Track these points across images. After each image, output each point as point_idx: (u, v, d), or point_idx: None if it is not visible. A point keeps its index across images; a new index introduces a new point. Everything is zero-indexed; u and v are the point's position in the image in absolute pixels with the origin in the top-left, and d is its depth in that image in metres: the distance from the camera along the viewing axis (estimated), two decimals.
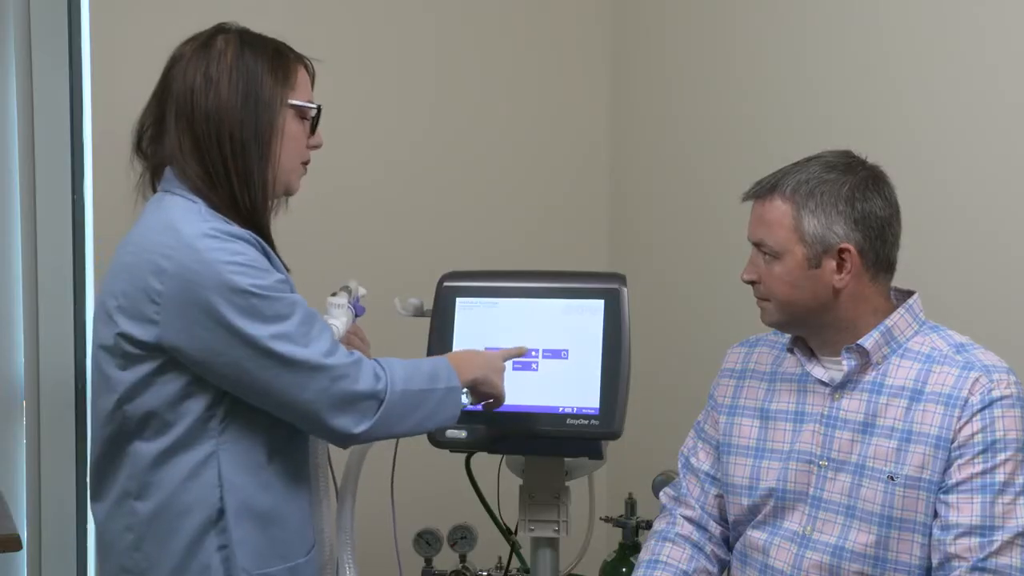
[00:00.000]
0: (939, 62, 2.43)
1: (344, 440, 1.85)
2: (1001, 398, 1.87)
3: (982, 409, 1.86)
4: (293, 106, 1.89)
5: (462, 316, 2.05)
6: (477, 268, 2.12)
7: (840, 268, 1.92)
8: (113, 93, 3.00)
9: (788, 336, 2.06)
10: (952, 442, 1.86)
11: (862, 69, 2.63)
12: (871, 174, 1.96)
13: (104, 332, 1.84)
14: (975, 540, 1.83)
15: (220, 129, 1.85)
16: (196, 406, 1.80)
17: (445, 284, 2.07)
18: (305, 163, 1.96)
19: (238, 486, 1.82)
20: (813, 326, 1.98)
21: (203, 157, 1.85)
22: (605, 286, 2.01)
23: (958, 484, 1.85)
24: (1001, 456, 1.84)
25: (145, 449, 1.82)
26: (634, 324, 1.98)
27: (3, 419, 3.12)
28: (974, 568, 1.82)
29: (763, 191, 1.97)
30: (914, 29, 2.49)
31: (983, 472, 1.84)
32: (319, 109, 1.94)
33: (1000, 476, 1.84)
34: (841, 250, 1.91)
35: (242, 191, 1.86)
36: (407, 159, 3.36)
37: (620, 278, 2.02)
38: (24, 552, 2.96)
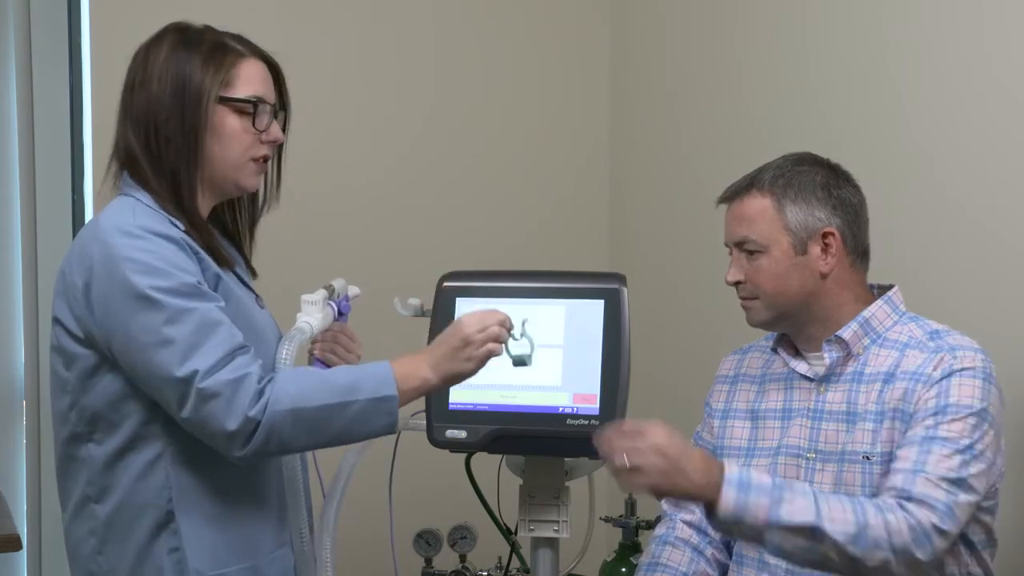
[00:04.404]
0: (940, 67, 2.43)
1: (231, 457, 1.77)
2: (962, 370, 1.90)
3: (941, 380, 1.90)
4: (226, 101, 1.87)
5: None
6: (477, 268, 2.11)
7: (825, 252, 1.98)
8: (113, 93, 2.99)
9: (772, 340, 2.11)
10: (913, 411, 1.90)
11: (862, 70, 2.63)
12: (836, 168, 2.05)
13: (52, 332, 1.86)
14: (907, 475, 1.84)
15: (149, 126, 1.86)
16: (138, 406, 1.80)
17: (445, 284, 2.07)
18: (260, 159, 1.93)
19: (187, 487, 1.82)
20: (799, 320, 2.02)
21: (140, 155, 1.87)
22: (605, 286, 2.01)
23: (907, 442, 1.88)
24: (949, 416, 1.86)
25: (97, 452, 1.83)
26: (634, 324, 1.98)
27: (3, 419, 3.12)
28: (899, 495, 1.82)
29: (740, 190, 2.03)
30: (915, 33, 2.49)
31: (927, 428, 1.87)
32: (256, 104, 1.89)
33: (942, 432, 1.86)
34: (825, 234, 1.98)
35: (171, 186, 1.86)
36: (407, 159, 3.36)
37: (620, 278, 2.02)
38: (24, 552, 2.96)
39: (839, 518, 1.76)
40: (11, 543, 2.46)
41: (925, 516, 1.79)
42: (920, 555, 1.78)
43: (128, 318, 1.74)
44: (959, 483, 1.83)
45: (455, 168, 3.41)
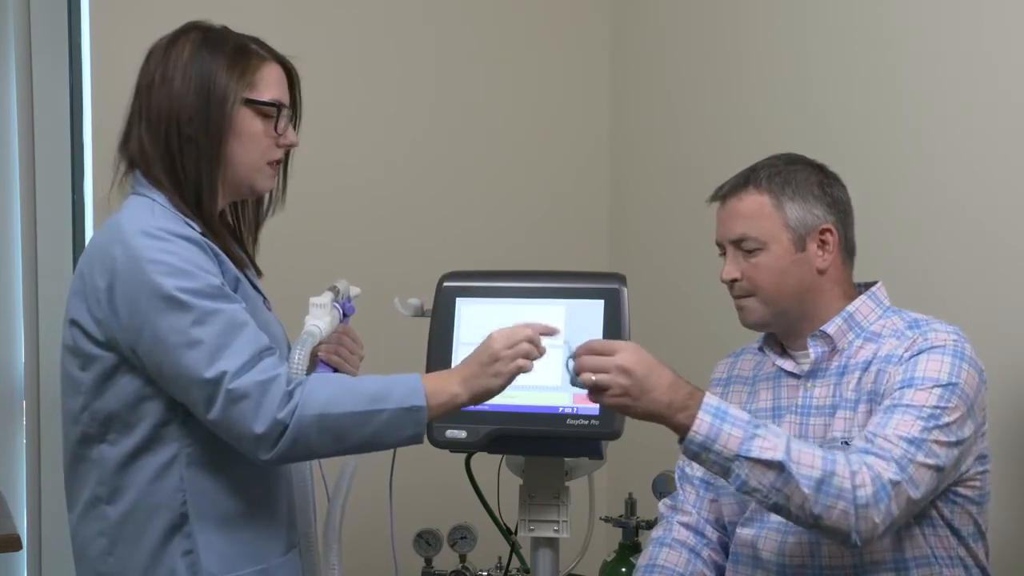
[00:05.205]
0: (940, 67, 2.43)
1: (256, 460, 1.76)
2: (931, 348, 1.91)
3: (910, 358, 1.91)
4: (251, 104, 1.87)
5: (462, 316, 2.05)
6: (477, 268, 2.12)
7: (821, 249, 2.00)
8: (113, 93, 2.99)
9: (761, 340, 2.12)
10: (883, 391, 1.91)
11: (862, 69, 2.63)
12: (825, 168, 2.06)
13: (65, 333, 1.85)
14: (867, 436, 1.85)
15: (170, 125, 1.85)
16: (156, 407, 1.80)
17: (445, 284, 2.07)
18: (274, 162, 1.93)
19: (201, 490, 1.82)
20: (792, 318, 2.02)
21: (156, 154, 1.86)
22: (605, 286, 2.01)
23: (874, 414, 1.89)
24: (915, 388, 1.87)
25: (110, 453, 1.82)
26: (634, 324, 1.98)
27: (3, 419, 3.12)
28: (862, 451, 1.83)
29: (736, 187, 2.04)
30: (915, 33, 2.49)
31: (892, 399, 1.88)
32: (279, 107, 1.90)
33: (906, 400, 1.86)
34: (823, 230, 2.00)
35: (188, 188, 1.85)
36: (407, 159, 3.36)
37: (620, 278, 2.02)
38: (24, 552, 2.96)
39: (807, 462, 1.77)
40: (11, 543, 2.46)
41: (883, 468, 1.79)
42: (876, 514, 1.77)
43: (155, 320, 1.74)
44: (916, 443, 1.81)
45: (455, 168, 3.41)
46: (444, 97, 3.40)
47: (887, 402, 1.88)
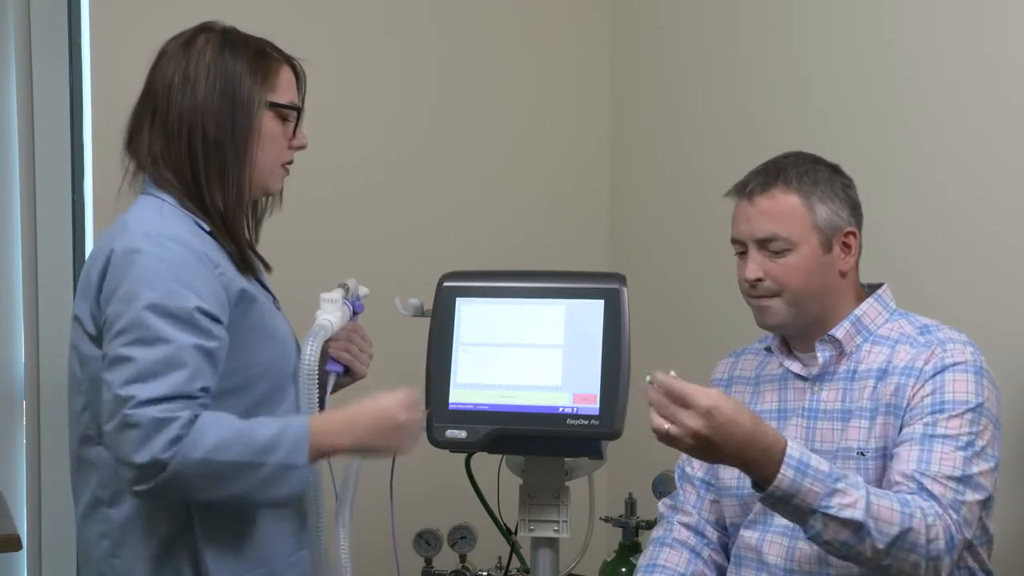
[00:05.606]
0: (940, 67, 2.43)
1: (129, 489, 1.72)
2: (954, 364, 1.90)
3: (934, 375, 1.90)
4: (273, 106, 1.87)
5: (462, 316, 2.05)
6: (477, 268, 2.12)
7: (844, 251, 1.99)
8: (113, 93, 2.99)
9: (768, 341, 2.11)
10: (906, 405, 1.90)
11: (862, 69, 2.63)
12: (840, 169, 2.04)
13: (72, 331, 1.86)
14: (916, 477, 1.84)
15: (193, 129, 1.84)
16: None
17: (445, 284, 2.07)
18: (287, 164, 1.94)
19: None
20: (811, 320, 2.00)
21: (174, 158, 1.85)
22: (605, 286, 2.01)
23: (905, 438, 1.88)
24: (947, 414, 1.86)
25: (107, 455, 1.80)
26: (634, 324, 1.98)
27: (3, 419, 3.12)
28: (917, 493, 1.81)
29: (767, 184, 1.98)
30: (915, 33, 2.49)
31: (926, 426, 1.87)
32: (299, 110, 1.91)
33: (940, 430, 1.86)
34: (847, 233, 1.98)
35: (213, 193, 1.85)
36: (407, 159, 3.36)
37: (620, 278, 2.02)
38: (24, 552, 2.95)
39: (886, 518, 1.74)
40: (11, 543, 2.46)
41: (950, 521, 1.79)
42: (944, 565, 1.78)
43: (115, 320, 1.74)
44: (964, 480, 1.83)
45: (455, 168, 3.41)
46: (444, 97, 3.40)
47: (920, 428, 1.87)
